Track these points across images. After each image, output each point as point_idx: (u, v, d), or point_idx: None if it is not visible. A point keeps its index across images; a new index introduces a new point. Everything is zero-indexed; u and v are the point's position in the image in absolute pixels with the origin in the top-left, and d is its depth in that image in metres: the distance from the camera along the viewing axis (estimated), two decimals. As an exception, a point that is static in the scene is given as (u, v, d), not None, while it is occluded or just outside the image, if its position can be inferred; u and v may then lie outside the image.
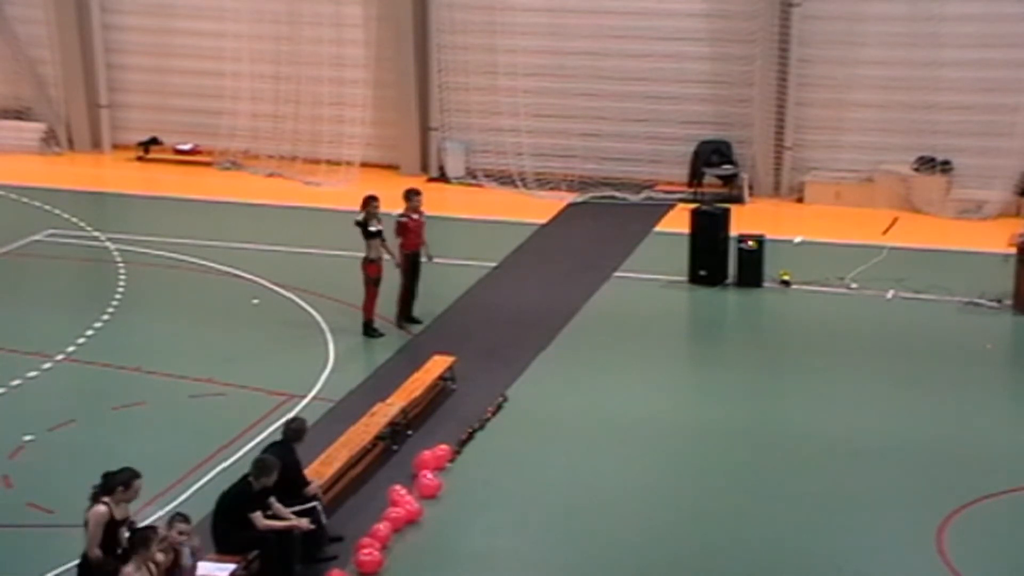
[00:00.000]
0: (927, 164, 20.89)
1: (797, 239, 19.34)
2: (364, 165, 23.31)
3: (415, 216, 16.08)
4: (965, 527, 11.27)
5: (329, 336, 15.83)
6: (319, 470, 11.68)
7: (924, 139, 20.91)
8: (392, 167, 23.60)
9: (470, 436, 13.20)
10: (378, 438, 12.73)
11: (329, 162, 23.38)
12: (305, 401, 14.00)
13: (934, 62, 20.66)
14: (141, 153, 24.57)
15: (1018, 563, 10.87)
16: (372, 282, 15.75)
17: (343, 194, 21.35)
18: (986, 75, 20.42)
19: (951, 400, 13.95)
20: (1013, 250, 16.37)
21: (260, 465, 10.56)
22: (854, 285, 17.36)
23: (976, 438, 13.01)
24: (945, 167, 20.84)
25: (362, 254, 15.71)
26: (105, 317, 16.44)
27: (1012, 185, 20.31)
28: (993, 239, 17.82)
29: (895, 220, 20.38)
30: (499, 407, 13.87)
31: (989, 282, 16.76)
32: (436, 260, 16.33)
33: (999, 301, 16.44)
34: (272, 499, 10.61)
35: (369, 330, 15.87)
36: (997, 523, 11.45)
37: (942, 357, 15.13)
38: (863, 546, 11.11)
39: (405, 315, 16.19)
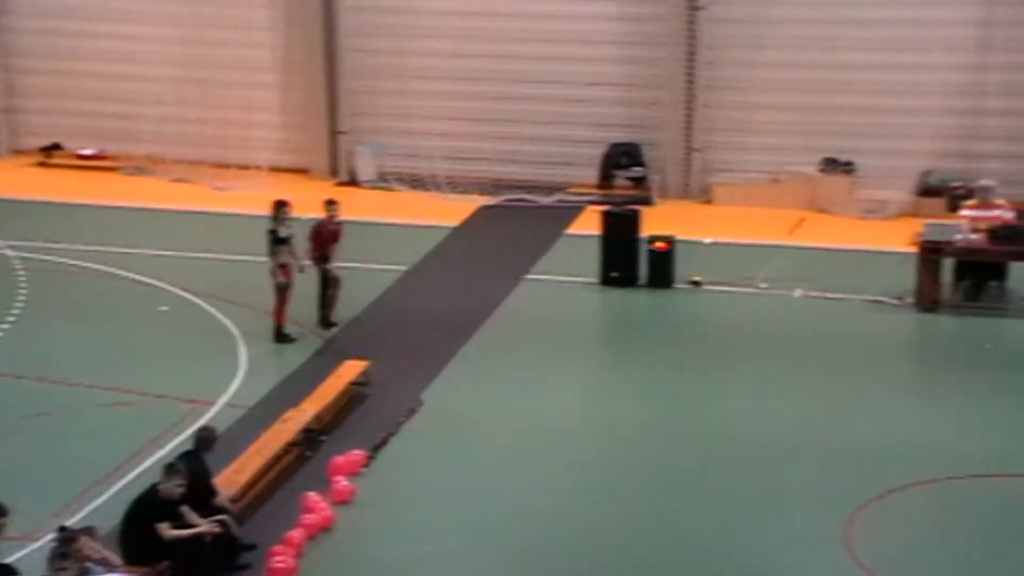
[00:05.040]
0: (832, 165, 21.30)
1: (707, 240, 19.58)
2: (274, 169, 23.07)
3: (331, 226, 16.05)
4: (872, 522, 11.47)
5: (240, 342, 15.64)
6: (231, 478, 11.52)
7: (829, 140, 21.31)
8: (302, 171, 23.40)
9: (384, 441, 13.13)
10: (291, 444, 12.60)
11: (238, 166, 23.10)
12: (215, 408, 13.80)
13: (837, 65, 21.08)
14: (42, 158, 24.03)
15: (923, 555, 11.10)
16: (282, 287, 15.62)
17: (252, 199, 21.08)
18: (887, 78, 20.87)
19: (858, 396, 14.22)
20: (914, 249, 16.74)
21: (168, 473, 10.40)
22: (763, 285, 17.61)
23: (882, 433, 13.27)
24: (849, 168, 21.26)
25: (272, 260, 15.57)
26: (5, 326, 16.04)
27: (912, 185, 20.78)
28: (895, 238, 18.20)
29: (802, 220, 20.73)
30: (414, 411, 13.82)
31: (892, 280, 17.11)
32: (337, 266, 16.14)
33: (901, 298, 16.79)
34: (184, 508, 10.44)
35: (280, 336, 15.71)
36: (903, 517, 11.68)
37: (848, 354, 15.41)
38: (772, 543, 11.27)
39: (324, 319, 16.09)
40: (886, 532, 11.39)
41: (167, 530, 10.26)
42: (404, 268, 18.54)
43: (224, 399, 14.04)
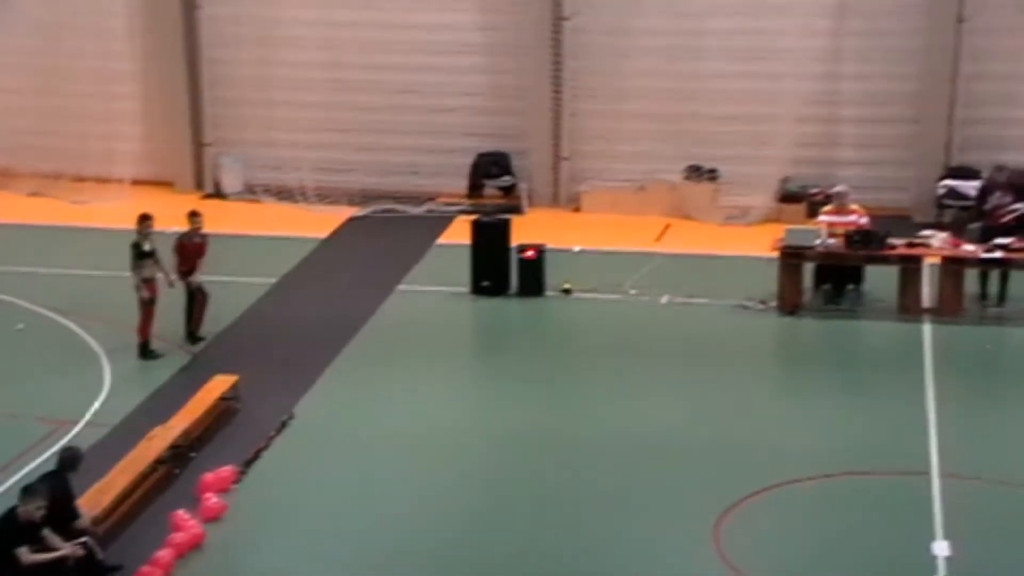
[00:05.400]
0: (696, 172, 21.73)
1: (576, 248, 19.78)
2: (136, 182, 22.56)
3: (196, 238, 15.79)
4: (742, 522, 11.71)
5: (104, 359, 15.25)
6: (96, 498, 11.22)
7: (693, 148, 21.73)
8: (166, 183, 22.94)
9: (256, 456, 12.93)
10: (158, 462, 12.32)
11: (98, 180, 22.52)
12: (78, 427, 13.42)
13: (699, 74, 21.53)
14: None
15: (790, 555, 11.36)
16: (147, 303, 15.31)
17: (114, 212, 20.60)
18: (746, 87, 21.37)
19: (725, 398, 14.51)
20: (776, 254, 17.17)
21: (27, 495, 10.07)
22: (632, 291, 17.86)
23: (749, 434, 13.57)
24: (712, 175, 21.72)
25: (136, 275, 15.24)
26: None
27: (773, 191, 21.33)
28: (758, 243, 18.65)
29: (667, 227, 21.10)
30: (285, 425, 13.64)
31: (755, 285, 17.53)
32: (200, 279, 15.88)
33: (764, 303, 17.21)
34: (46, 531, 10.12)
35: (145, 352, 15.38)
36: (771, 517, 11.93)
37: (715, 358, 15.73)
38: (644, 545, 11.41)
39: (193, 333, 15.81)
40: (756, 532, 11.64)
41: (27, 555, 9.94)
42: (273, 281, 18.31)
43: (87, 417, 13.65)
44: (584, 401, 14.53)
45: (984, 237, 16.95)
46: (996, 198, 17.79)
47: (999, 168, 19.67)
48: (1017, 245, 16.80)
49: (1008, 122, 20.91)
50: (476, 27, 22.20)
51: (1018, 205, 17.40)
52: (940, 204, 20.69)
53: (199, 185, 23.05)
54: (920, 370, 15.12)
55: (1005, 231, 17.00)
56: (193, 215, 16.01)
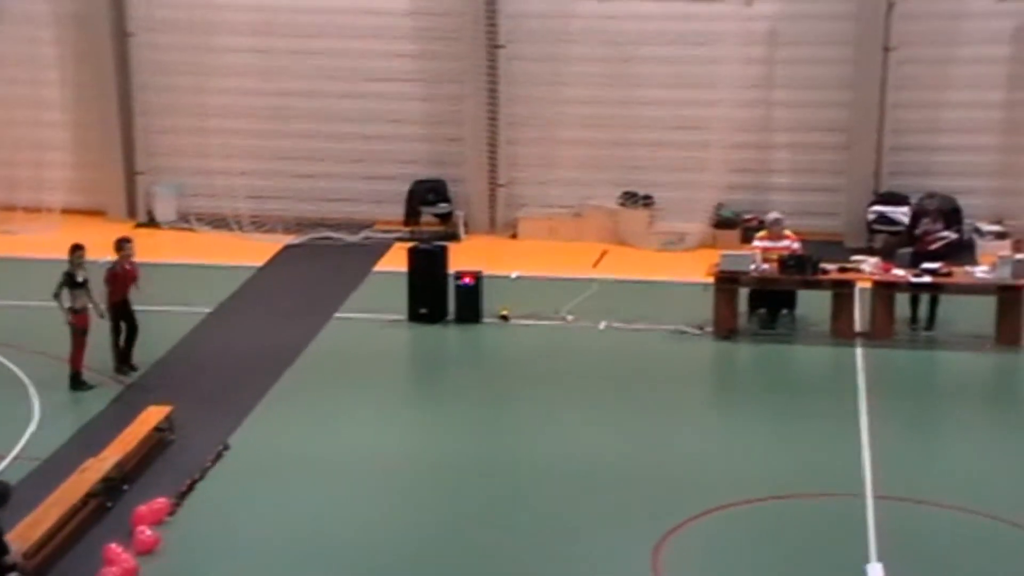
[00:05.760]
0: (631, 199, 21.90)
1: (513, 274, 19.82)
2: (67, 211, 22.27)
3: (127, 266, 15.62)
4: (679, 548, 11.73)
5: (33, 391, 14.98)
6: (27, 533, 11.00)
7: (628, 175, 21.91)
8: (98, 212, 22.66)
9: (190, 487, 12.76)
10: (90, 495, 12.10)
11: (27, 209, 22.19)
12: (6, 461, 13.15)
13: (634, 101, 21.73)
14: None
15: None
16: (78, 333, 15.10)
17: (44, 242, 20.29)
18: (680, 113, 21.59)
19: (662, 423, 14.59)
20: (711, 279, 17.34)
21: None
22: (569, 317, 17.92)
23: (686, 458, 13.64)
24: (647, 201, 21.90)
25: (67, 305, 15.01)
26: None
27: (708, 217, 21.55)
28: (694, 269, 18.81)
29: (604, 253, 21.22)
30: (220, 455, 13.48)
31: (691, 310, 17.66)
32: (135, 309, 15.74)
33: (701, 328, 17.36)
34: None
35: (77, 383, 15.14)
36: (709, 541, 11.99)
37: (652, 383, 15.81)
38: (582, 571, 11.40)
39: (125, 363, 15.61)
40: (694, 557, 11.68)
41: (-45, 592, 9.70)
42: (208, 310, 18.12)
43: (15, 451, 13.39)
44: (521, 427, 14.52)
45: (914, 262, 17.27)
46: (925, 224, 18.16)
47: (929, 196, 20.16)
48: (945, 270, 17.13)
49: (934, 149, 21.34)
50: (413, 55, 22.23)
51: (946, 232, 17.74)
52: (871, 229, 21.03)
53: (132, 214, 22.79)
54: (853, 393, 15.31)
55: (934, 257, 17.32)
56: (123, 242, 15.82)
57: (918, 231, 18.31)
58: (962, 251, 19.37)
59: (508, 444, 14.10)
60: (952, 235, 17.63)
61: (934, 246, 17.62)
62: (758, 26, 21.30)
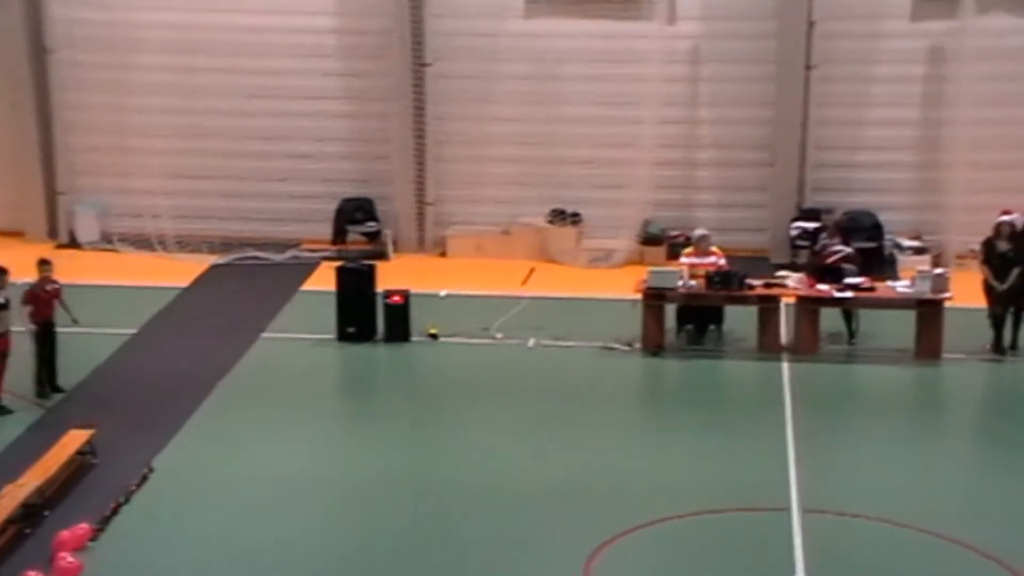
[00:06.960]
0: (559, 216, 21.99)
1: (442, 292, 19.79)
2: (-16, 232, 21.87)
3: (48, 287, 15.41)
4: (609, 564, 11.76)
5: (-50, 416, 14.65)
6: (-58, 563, 10.72)
7: (556, 192, 22.01)
8: (17, 233, 22.25)
9: (114, 511, 12.54)
10: (9, 521, 11.84)
11: (-59, 230, 21.78)
12: (-77, 489, 12.82)
13: (560, 119, 21.84)
14: None
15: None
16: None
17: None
18: (606, 131, 21.74)
19: (591, 439, 14.62)
20: (639, 295, 17.45)
21: None
22: (498, 335, 17.92)
23: (615, 474, 13.68)
24: (575, 219, 22.00)
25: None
26: None
27: (635, 234, 21.70)
28: (622, 285, 18.92)
29: (532, 271, 21.27)
30: (145, 478, 13.27)
31: (620, 326, 17.75)
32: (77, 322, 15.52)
33: (630, 344, 17.45)
34: None
35: (-4, 407, 14.85)
36: (639, 557, 12.01)
37: (581, 399, 15.85)
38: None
39: (50, 385, 15.36)
40: (623, 572, 11.71)
41: None
42: (132, 331, 17.86)
43: (-67, 478, 13.06)
44: (451, 446, 14.48)
45: (814, 275, 17.61)
46: (823, 239, 18.57)
47: (828, 211, 20.65)
48: (867, 285, 17.42)
49: (855, 166, 21.72)
50: (338, 73, 22.15)
51: (842, 247, 18.07)
52: (793, 245, 21.34)
53: (53, 234, 22.42)
54: (780, 407, 15.48)
55: (832, 271, 17.61)
56: (43, 263, 15.62)
57: (817, 246, 18.70)
58: (877, 264, 19.67)
59: (437, 463, 14.04)
60: (848, 249, 17.97)
61: (830, 260, 17.92)
62: (681, 45, 21.54)
